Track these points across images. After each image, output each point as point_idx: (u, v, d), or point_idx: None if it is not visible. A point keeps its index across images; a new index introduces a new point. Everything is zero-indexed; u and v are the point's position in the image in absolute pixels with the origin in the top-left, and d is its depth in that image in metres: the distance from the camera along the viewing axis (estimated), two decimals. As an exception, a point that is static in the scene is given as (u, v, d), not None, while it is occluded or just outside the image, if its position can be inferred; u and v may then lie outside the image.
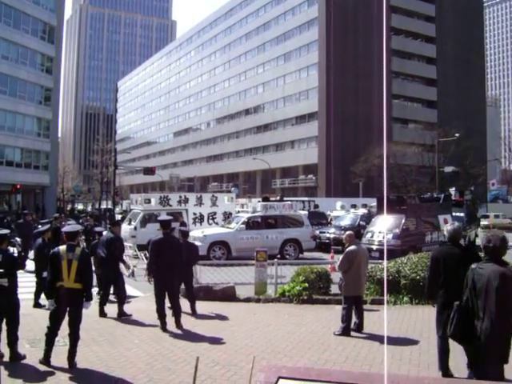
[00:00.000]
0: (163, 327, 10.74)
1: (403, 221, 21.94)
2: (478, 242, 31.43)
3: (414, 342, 9.75)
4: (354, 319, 10.71)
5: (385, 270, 12.87)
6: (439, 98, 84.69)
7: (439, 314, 7.62)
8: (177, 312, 11.09)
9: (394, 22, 78.47)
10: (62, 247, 8.46)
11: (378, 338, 9.85)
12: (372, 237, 22.47)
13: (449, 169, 56.27)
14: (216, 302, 14.02)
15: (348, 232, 11.64)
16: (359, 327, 10.69)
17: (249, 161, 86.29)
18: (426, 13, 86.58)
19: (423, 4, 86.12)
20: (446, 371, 7.64)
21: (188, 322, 11.50)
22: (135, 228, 26.78)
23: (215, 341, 9.88)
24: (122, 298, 12.31)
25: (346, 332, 10.38)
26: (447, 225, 8.28)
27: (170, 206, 29.20)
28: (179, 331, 10.67)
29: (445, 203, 26.42)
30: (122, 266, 13.48)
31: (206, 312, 12.72)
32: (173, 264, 11.19)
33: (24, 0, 57.93)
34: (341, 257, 10.92)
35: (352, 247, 10.79)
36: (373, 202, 34.79)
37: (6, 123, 56.00)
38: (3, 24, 51.85)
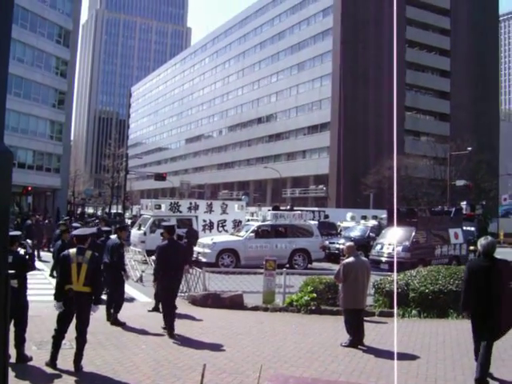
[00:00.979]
0: (170, 333, 10.70)
1: (413, 233, 21.89)
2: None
3: (421, 356, 9.68)
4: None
5: (395, 283, 12.80)
6: (452, 112, 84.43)
7: (474, 324, 8.04)
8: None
9: (408, 34, 78.50)
10: (72, 250, 8.49)
11: (386, 351, 9.80)
12: (382, 249, 22.43)
13: (460, 182, 56.00)
14: (224, 309, 14.01)
15: (348, 243, 11.59)
16: (355, 342, 10.42)
17: (260, 169, 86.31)
18: (440, 25, 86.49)
19: (438, 17, 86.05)
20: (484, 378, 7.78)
21: (195, 329, 11.49)
22: (145, 233, 26.80)
23: (222, 348, 9.86)
24: (119, 306, 12.18)
25: (353, 344, 10.32)
26: (481, 239, 8.33)
27: (180, 212, 29.24)
28: (186, 337, 10.64)
29: (456, 217, 26.35)
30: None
31: (214, 319, 12.71)
32: (177, 269, 11.37)
33: (41, 4, 58.35)
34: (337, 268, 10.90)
35: (349, 259, 10.67)
36: (383, 214, 34.68)
37: (19, 125, 56.28)
38: (20, 27, 52.18)
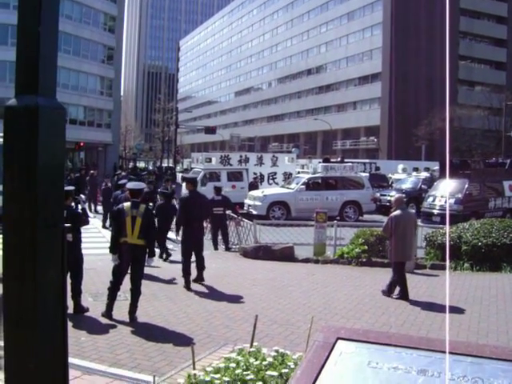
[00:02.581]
0: (187, 286, 10.77)
1: (466, 186, 21.52)
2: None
3: (473, 309, 9.62)
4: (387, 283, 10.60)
5: (447, 235, 12.68)
6: (508, 60, 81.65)
7: None
8: (202, 266, 11.30)
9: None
10: (127, 204, 8.64)
11: (437, 304, 9.76)
12: (434, 201, 22.17)
13: (516, 133, 54.49)
14: (275, 261, 14.14)
15: (396, 195, 11.47)
16: (390, 289, 10.50)
17: (310, 121, 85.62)
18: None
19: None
20: None
21: (247, 281, 11.64)
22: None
23: (273, 300, 9.98)
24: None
25: (404, 296, 10.33)
26: None
27: (231, 165, 29.43)
28: (238, 289, 10.77)
29: (510, 169, 25.74)
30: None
31: (265, 271, 12.84)
32: (200, 220, 11.41)
33: (87, -39, 58.32)
34: (384, 221, 10.81)
35: (397, 212, 10.59)
36: (435, 166, 34.19)
37: (69, 82, 56.96)
38: (67, -16, 52.46)
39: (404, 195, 11.88)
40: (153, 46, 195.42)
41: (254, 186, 27.98)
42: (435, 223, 19.55)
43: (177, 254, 13.59)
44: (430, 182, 28.33)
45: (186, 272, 10.86)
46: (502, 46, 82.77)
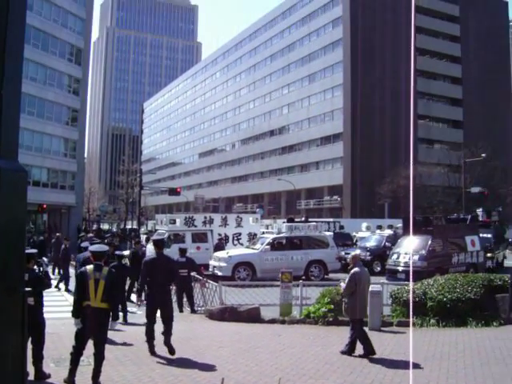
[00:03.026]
0: (151, 350, 10.40)
1: (429, 242, 21.78)
2: (507, 263, 31.04)
3: (441, 365, 9.60)
4: (347, 342, 10.60)
5: (411, 292, 12.73)
6: (465, 118, 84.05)
7: None
8: (169, 333, 10.50)
9: (418, 42, 78.26)
10: (90, 266, 8.51)
11: (405, 361, 9.73)
12: (398, 258, 22.33)
13: (475, 189, 55.56)
14: (241, 323, 13.98)
15: (352, 253, 11.63)
16: (351, 349, 10.51)
17: (274, 181, 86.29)
18: (450, 33, 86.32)
19: (448, 24, 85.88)
20: None
21: (213, 343, 11.48)
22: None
23: (240, 362, 9.84)
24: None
25: (370, 352, 10.31)
26: None
27: (195, 226, 29.33)
28: (204, 351, 10.60)
29: (472, 224, 26.17)
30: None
31: (231, 333, 12.68)
32: (164, 285, 10.76)
33: (52, 23, 58.98)
34: (346, 280, 10.85)
35: (356, 269, 10.75)
36: (399, 223, 34.55)
37: (33, 143, 56.73)
38: (32, 47, 52.71)
39: (360, 252, 12.03)
40: (117, 108, 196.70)
41: (219, 247, 27.82)
42: (400, 280, 19.65)
43: (141, 316, 13.35)
44: (393, 240, 28.54)
45: (150, 336, 10.49)
46: (458, 105, 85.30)
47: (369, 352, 10.28)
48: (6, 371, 3.23)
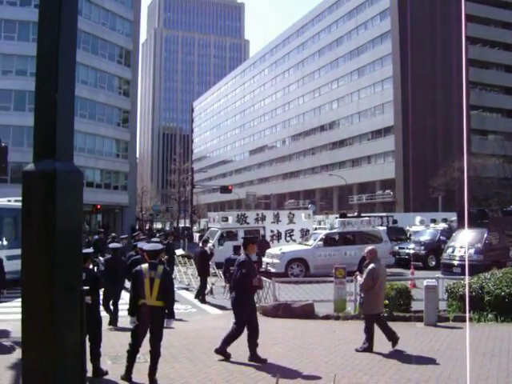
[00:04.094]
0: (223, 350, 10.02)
1: (485, 235, 21.33)
2: None
3: (500, 362, 9.40)
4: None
5: (466, 287, 12.50)
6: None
7: None
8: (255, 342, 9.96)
9: (469, 30, 76.61)
10: (144, 265, 8.61)
11: (462, 357, 9.56)
12: (453, 252, 21.94)
13: (533, 180, 54.20)
14: (295, 319, 13.97)
15: (370, 247, 11.51)
16: (394, 341, 10.55)
17: (325, 177, 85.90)
18: (502, 19, 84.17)
19: (499, 11, 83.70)
20: None
21: (267, 340, 11.48)
22: (213, 246, 27.03)
23: (295, 358, 9.83)
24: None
25: (368, 350, 10.35)
26: None
27: (248, 223, 29.47)
28: (258, 350, 10.54)
29: (529, 216, 25.49)
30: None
31: (285, 330, 12.68)
32: (258, 286, 10.79)
33: (101, 26, 60.11)
34: (364, 275, 10.74)
35: (375, 264, 10.71)
36: (453, 217, 33.99)
37: (86, 145, 57.87)
38: (82, 50, 53.77)
39: (376, 248, 11.92)
40: (167, 107, 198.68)
41: (264, 244, 27.32)
42: (456, 274, 19.32)
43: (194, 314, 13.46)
44: (448, 233, 28.11)
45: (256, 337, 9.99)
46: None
47: (368, 348, 10.38)
48: (67, 368, 3.31)
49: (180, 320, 13.82)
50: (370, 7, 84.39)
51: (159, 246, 9.52)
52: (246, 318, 10.05)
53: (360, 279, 10.92)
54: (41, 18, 3.47)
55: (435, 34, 76.01)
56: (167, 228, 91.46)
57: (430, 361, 9.58)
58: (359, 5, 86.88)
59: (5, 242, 19.39)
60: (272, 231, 29.80)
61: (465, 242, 21.29)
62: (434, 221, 41.39)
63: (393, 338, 10.57)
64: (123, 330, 11.40)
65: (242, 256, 10.44)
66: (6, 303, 14.72)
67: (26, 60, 51.57)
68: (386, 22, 79.95)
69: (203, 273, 18.17)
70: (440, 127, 73.72)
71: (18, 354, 9.47)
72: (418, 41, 75.57)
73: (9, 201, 23.02)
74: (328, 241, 25.45)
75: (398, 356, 9.93)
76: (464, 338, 11.07)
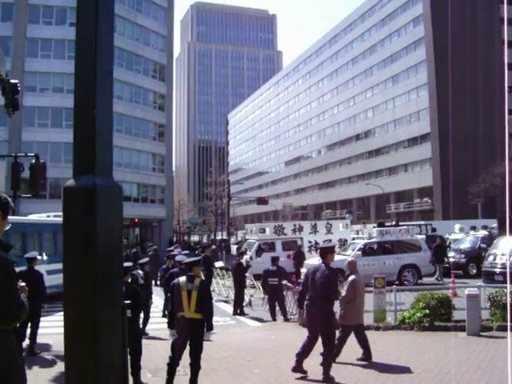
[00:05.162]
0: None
1: (528, 242, 20.90)
2: None
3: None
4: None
5: (508, 295, 12.27)
6: None
7: None
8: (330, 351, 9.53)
9: (509, 33, 75.46)
10: (182, 278, 8.65)
11: (505, 368, 9.36)
12: (494, 259, 21.55)
13: None
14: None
15: (349, 259, 11.49)
16: (367, 356, 10.48)
17: (362, 186, 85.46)
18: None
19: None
20: None
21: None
22: (251, 258, 27.02)
23: (336, 370, 9.74)
24: None
25: (368, 357, 10.46)
26: None
27: (285, 234, 29.42)
28: (295, 359, 10.52)
29: None
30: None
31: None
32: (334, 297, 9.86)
33: (135, 42, 60.92)
34: (345, 287, 10.66)
35: (355, 276, 10.74)
36: (493, 223, 33.42)
37: (122, 160, 58.51)
38: (117, 66, 54.46)
39: (355, 259, 11.94)
40: (202, 120, 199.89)
41: (300, 255, 27.16)
42: (498, 282, 18.97)
43: (233, 326, 13.45)
44: (489, 241, 27.61)
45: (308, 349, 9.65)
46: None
47: (367, 357, 10.41)
48: (109, 382, 3.34)
49: (219, 332, 13.84)
50: (402, 14, 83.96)
51: (196, 259, 9.57)
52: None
53: (342, 291, 10.68)
54: (78, 36, 3.54)
55: (469, 38, 75.10)
56: (204, 240, 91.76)
57: (475, 372, 9.40)
58: (391, 12, 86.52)
59: (45, 257, 19.68)
60: (310, 242, 29.68)
61: (506, 249, 20.90)
62: (473, 228, 40.71)
63: (367, 354, 10.49)
64: (163, 342, 11.45)
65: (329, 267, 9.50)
66: (47, 317, 14.90)
67: (62, 77, 52.63)
68: (420, 29, 79.40)
69: (239, 285, 18.23)
70: (480, 132, 72.77)
71: (59, 367, 9.59)
72: (452, 46, 74.76)
73: (48, 216, 23.42)
74: (366, 250, 25.23)
75: (441, 367, 9.75)
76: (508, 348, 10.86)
